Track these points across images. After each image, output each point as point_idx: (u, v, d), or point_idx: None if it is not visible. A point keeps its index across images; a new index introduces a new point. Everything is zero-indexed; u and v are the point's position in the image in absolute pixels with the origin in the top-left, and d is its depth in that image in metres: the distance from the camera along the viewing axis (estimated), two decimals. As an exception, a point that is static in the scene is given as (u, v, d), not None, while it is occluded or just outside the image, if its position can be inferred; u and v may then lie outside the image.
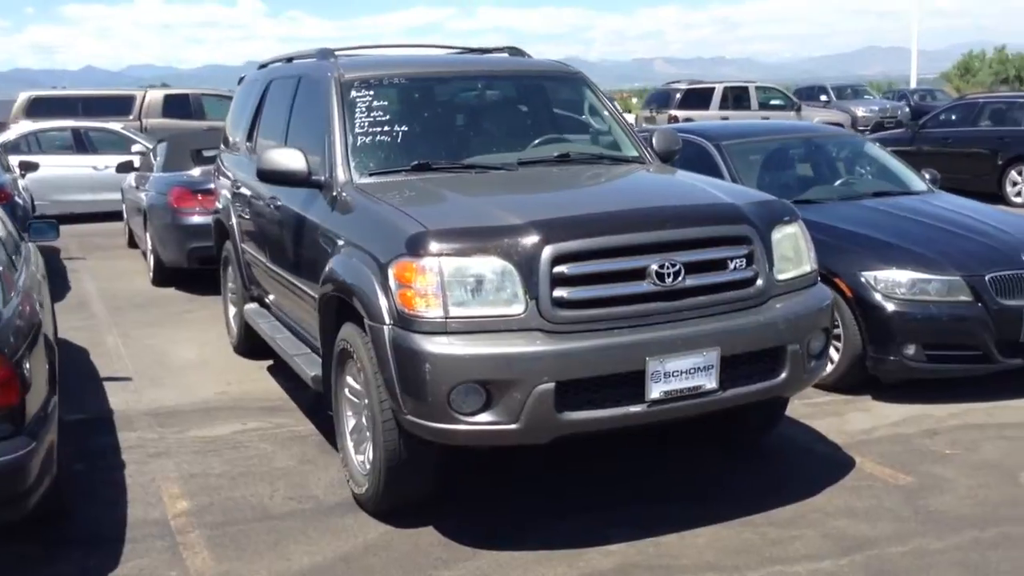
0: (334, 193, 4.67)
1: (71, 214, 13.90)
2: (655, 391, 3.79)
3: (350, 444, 4.49)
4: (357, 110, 4.98)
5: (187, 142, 10.66)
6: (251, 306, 6.59)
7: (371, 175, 4.75)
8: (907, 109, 30.78)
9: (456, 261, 3.74)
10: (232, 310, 7.27)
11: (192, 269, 9.42)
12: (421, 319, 3.73)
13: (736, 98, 23.12)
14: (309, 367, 5.05)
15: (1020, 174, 14.04)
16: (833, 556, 3.77)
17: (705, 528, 4.04)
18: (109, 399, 6.05)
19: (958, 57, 66.42)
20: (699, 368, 3.85)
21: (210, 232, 8.96)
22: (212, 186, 9.02)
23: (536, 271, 3.72)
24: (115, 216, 13.46)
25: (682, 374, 3.82)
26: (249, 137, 6.63)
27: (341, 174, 4.73)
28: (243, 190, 6.42)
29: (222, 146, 7.67)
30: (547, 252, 3.74)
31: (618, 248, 3.84)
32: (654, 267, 3.83)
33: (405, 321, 3.77)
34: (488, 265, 3.74)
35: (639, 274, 3.83)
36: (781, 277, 4.16)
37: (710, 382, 3.88)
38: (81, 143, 15.38)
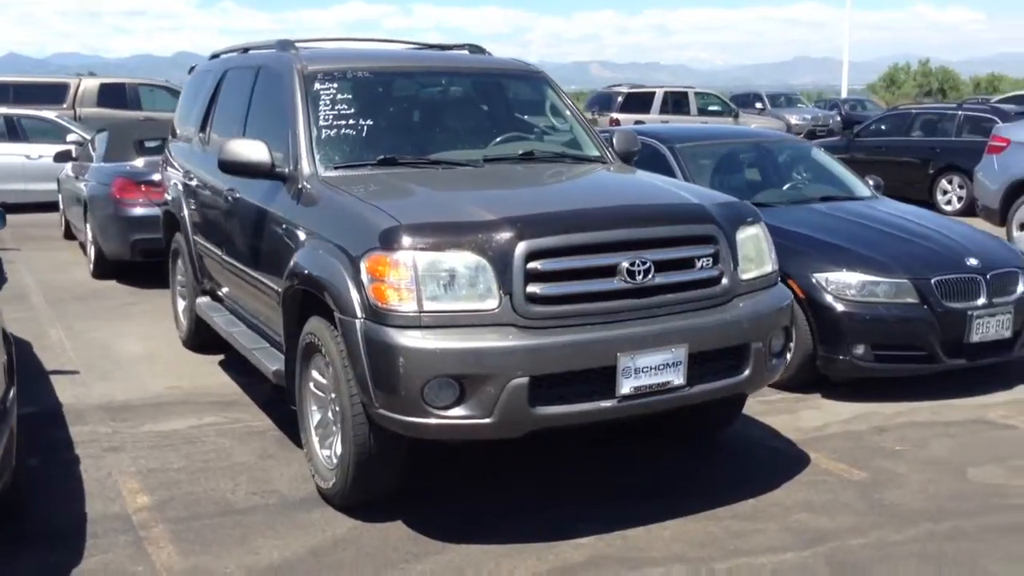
0: (299, 186, 4.63)
1: (2, 204, 13.47)
2: (625, 387, 3.85)
3: (315, 439, 4.47)
4: (321, 103, 4.95)
5: (129, 132, 10.45)
6: (203, 299, 6.49)
7: (336, 168, 4.73)
8: (838, 118, 31.64)
9: (430, 255, 3.75)
10: (181, 303, 7.15)
11: (134, 262, 9.24)
12: (394, 313, 3.74)
13: (676, 103, 23.47)
14: (270, 361, 5.01)
15: (950, 183, 14.53)
16: (796, 548, 3.88)
17: (671, 521, 4.11)
18: (57, 393, 5.91)
19: (884, 69, 68.43)
20: (668, 364, 3.92)
21: (154, 224, 8.82)
22: (157, 177, 8.92)
23: (510, 266, 3.75)
24: (49, 207, 13.11)
25: (652, 370, 3.89)
26: (203, 128, 6.54)
27: (306, 167, 4.70)
28: (196, 181, 6.33)
29: (170, 137, 7.54)
30: (521, 248, 3.77)
31: (590, 245, 3.89)
32: (625, 264, 3.89)
33: (378, 315, 3.77)
34: (462, 260, 3.76)
35: (610, 271, 3.89)
36: (745, 277, 4.26)
37: (678, 378, 3.95)
38: (13, 131, 14.92)
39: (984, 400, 5.70)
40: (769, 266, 4.43)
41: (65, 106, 17.94)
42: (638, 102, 23.07)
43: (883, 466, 4.73)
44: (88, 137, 14.12)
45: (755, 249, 4.36)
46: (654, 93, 23.53)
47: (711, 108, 24.49)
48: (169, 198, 7.07)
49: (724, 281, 4.14)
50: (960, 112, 15.00)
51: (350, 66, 5.20)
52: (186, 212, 6.54)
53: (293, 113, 4.92)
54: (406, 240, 3.77)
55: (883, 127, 16.15)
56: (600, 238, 3.91)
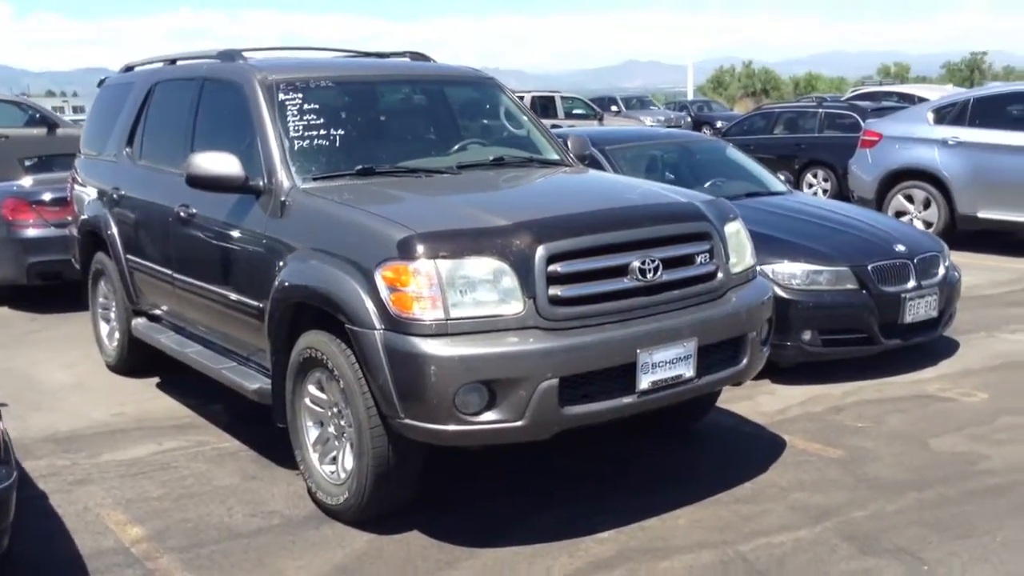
0: (282, 199, 4.52)
1: None
2: (644, 382, 3.96)
3: (313, 456, 4.37)
4: (289, 113, 4.84)
5: (12, 150, 9.83)
6: (139, 320, 6.21)
7: (315, 180, 4.64)
8: (689, 119, 32.93)
9: (453, 263, 3.75)
10: (105, 327, 6.82)
11: (28, 286, 8.71)
12: (419, 322, 3.71)
13: (543, 106, 23.86)
14: (247, 380, 4.85)
15: (815, 176, 15.38)
16: (807, 525, 4.08)
17: (680, 510, 4.25)
18: (-5, 428, 5.52)
19: (711, 71, 71.69)
20: (680, 358, 4.05)
21: (51, 245, 8.45)
22: (48, 196, 8.52)
23: (531, 270, 3.79)
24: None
25: (666, 364, 4.01)
26: (130, 143, 6.26)
27: (284, 179, 4.59)
28: (129, 198, 6.05)
29: (81, 153, 7.18)
30: (541, 251, 3.82)
31: (605, 246, 3.98)
32: (636, 264, 3.99)
33: (400, 325, 3.74)
34: (486, 266, 3.78)
35: (622, 271, 3.99)
36: (734, 271, 4.44)
37: (689, 371, 4.09)
38: None
39: (919, 376, 6.11)
40: (751, 259, 4.63)
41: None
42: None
43: (853, 443, 5.02)
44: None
45: (739, 244, 4.55)
46: (523, 97, 23.83)
47: (575, 111, 25.06)
48: (86, 216, 6.71)
49: (720, 275, 4.31)
50: (821, 110, 15.90)
51: (312, 75, 5.10)
52: (115, 230, 6.23)
53: (260, 125, 4.79)
54: (426, 248, 3.75)
55: (750, 126, 16.95)
56: (613, 238, 4.01)
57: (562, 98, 24.89)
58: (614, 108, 32.37)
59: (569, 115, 24.13)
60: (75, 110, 45.10)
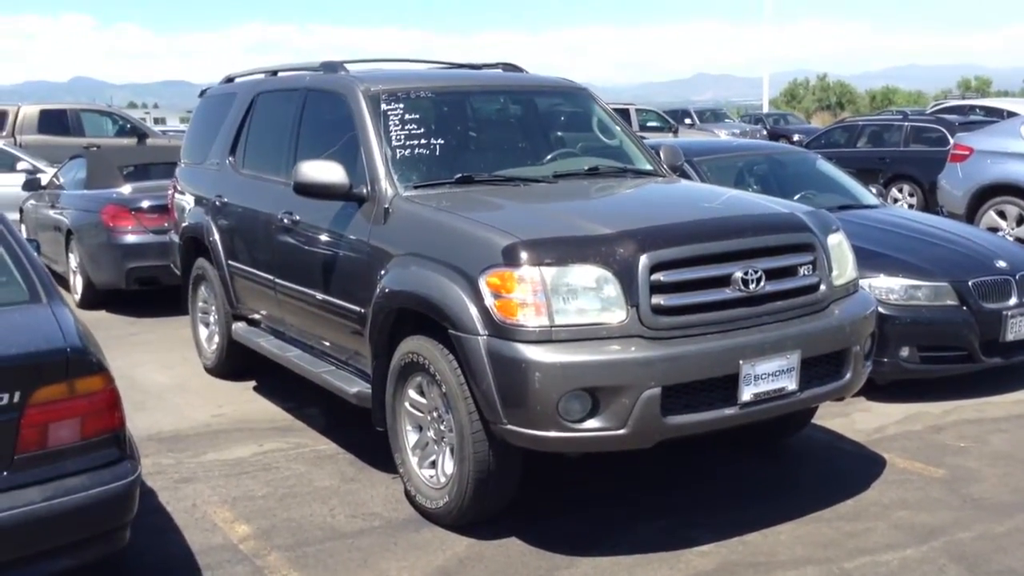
0: (385, 206, 4.61)
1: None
2: (746, 393, 3.94)
3: (413, 459, 4.44)
4: (391, 123, 4.94)
5: (111, 158, 10.19)
6: (239, 325, 6.38)
7: (416, 188, 4.72)
8: (764, 131, 32.51)
9: (558, 270, 3.79)
10: (204, 331, 7.01)
11: (127, 290, 9.01)
12: (524, 328, 3.76)
13: (619, 119, 23.79)
14: (346, 384, 4.95)
15: (901, 191, 15.08)
16: (913, 544, 4.01)
17: (782, 526, 4.21)
18: (103, 426, 5.72)
19: (784, 84, 70.75)
20: (783, 371, 4.02)
21: (149, 251, 8.74)
22: (147, 204, 8.82)
23: (635, 279, 3.81)
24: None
25: (769, 376, 3.99)
26: (232, 152, 6.44)
27: (387, 187, 4.69)
28: (232, 206, 6.22)
29: (182, 162, 7.41)
30: (644, 260, 3.83)
31: (708, 256, 3.98)
32: (739, 274, 3.98)
33: (504, 331, 3.78)
34: (590, 274, 3.80)
35: (725, 281, 3.98)
36: (837, 283, 4.40)
37: (792, 384, 4.06)
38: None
39: (1020, 396, 5.96)
40: (853, 272, 4.58)
41: (4, 134, 17.32)
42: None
43: (955, 462, 4.91)
44: (35, 164, 13.76)
45: (841, 256, 4.51)
46: (598, 110, 23.85)
47: (650, 124, 24.97)
48: (188, 223, 6.92)
49: (822, 288, 4.28)
50: (906, 123, 15.60)
51: (412, 86, 5.20)
52: (217, 237, 6.41)
53: (364, 134, 4.90)
54: (532, 255, 3.79)
55: (832, 139, 16.70)
56: (716, 248, 4.00)
57: (636, 110, 24.79)
58: (688, 120, 32.18)
59: (643, 127, 23.99)
60: (155, 121, 46.43)
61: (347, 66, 5.59)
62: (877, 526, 4.19)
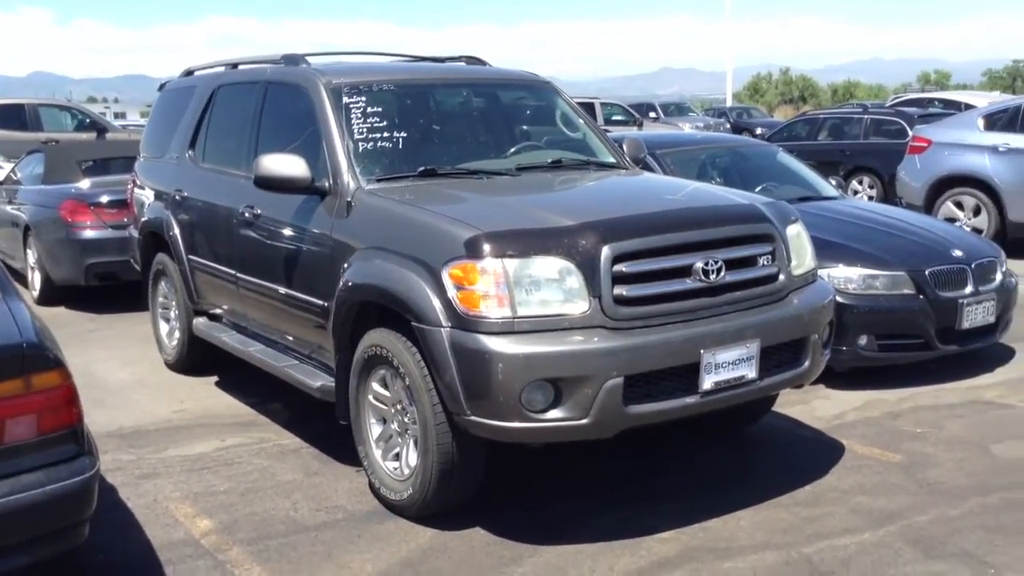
0: (347, 200, 4.60)
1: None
2: (707, 382, 3.98)
3: (376, 452, 4.44)
4: (353, 116, 4.92)
5: (70, 153, 10.06)
6: (201, 320, 6.33)
7: (378, 181, 4.71)
8: (728, 125, 32.75)
9: (520, 262, 3.80)
10: (164, 326, 6.95)
11: (86, 286, 8.90)
12: (487, 320, 3.77)
13: (583, 113, 23.87)
14: (310, 378, 4.94)
15: (861, 183, 15.27)
16: (870, 529, 4.07)
17: (741, 512, 4.26)
18: (62, 422, 5.65)
19: (747, 78, 71.33)
20: (743, 359, 4.07)
21: (109, 247, 8.62)
22: (107, 199, 8.70)
23: (597, 270, 3.84)
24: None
25: (729, 365, 4.03)
26: (192, 146, 6.38)
27: (349, 181, 4.67)
28: (192, 200, 6.17)
29: (141, 156, 7.33)
30: (606, 251, 3.86)
31: (669, 247, 4.02)
32: (699, 264, 4.02)
33: (467, 323, 3.79)
34: (553, 265, 3.82)
35: (686, 271, 4.02)
36: (796, 273, 4.45)
37: (751, 372, 4.11)
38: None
39: (975, 382, 6.07)
40: (812, 262, 4.64)
41: (-40, 128, 17.06)
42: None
43: (912, 448, 4.99)
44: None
45: (800, 246, 4.56)
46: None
47: (615, 118, 25.08)
48: (147, 218, 6.85)
49: (781, 277, 4.33)
50: (866, 116, 15.80)
51: (375, 79, 5.19)
52: (177, 231, 6.36)
53: (326, 127, 4.88)
54: (494, 247, 3.80)
55: (793, 132, 16.86)
56: (677, 239, 4.04)
57: (601, 104, 24.88)
58: (652, 114, 32.37)
59: (609, 121, 24.12)
60: (116, 116, 45.80)
61: (309, 59, 5.56)
62: (835, 511, 4.26)
